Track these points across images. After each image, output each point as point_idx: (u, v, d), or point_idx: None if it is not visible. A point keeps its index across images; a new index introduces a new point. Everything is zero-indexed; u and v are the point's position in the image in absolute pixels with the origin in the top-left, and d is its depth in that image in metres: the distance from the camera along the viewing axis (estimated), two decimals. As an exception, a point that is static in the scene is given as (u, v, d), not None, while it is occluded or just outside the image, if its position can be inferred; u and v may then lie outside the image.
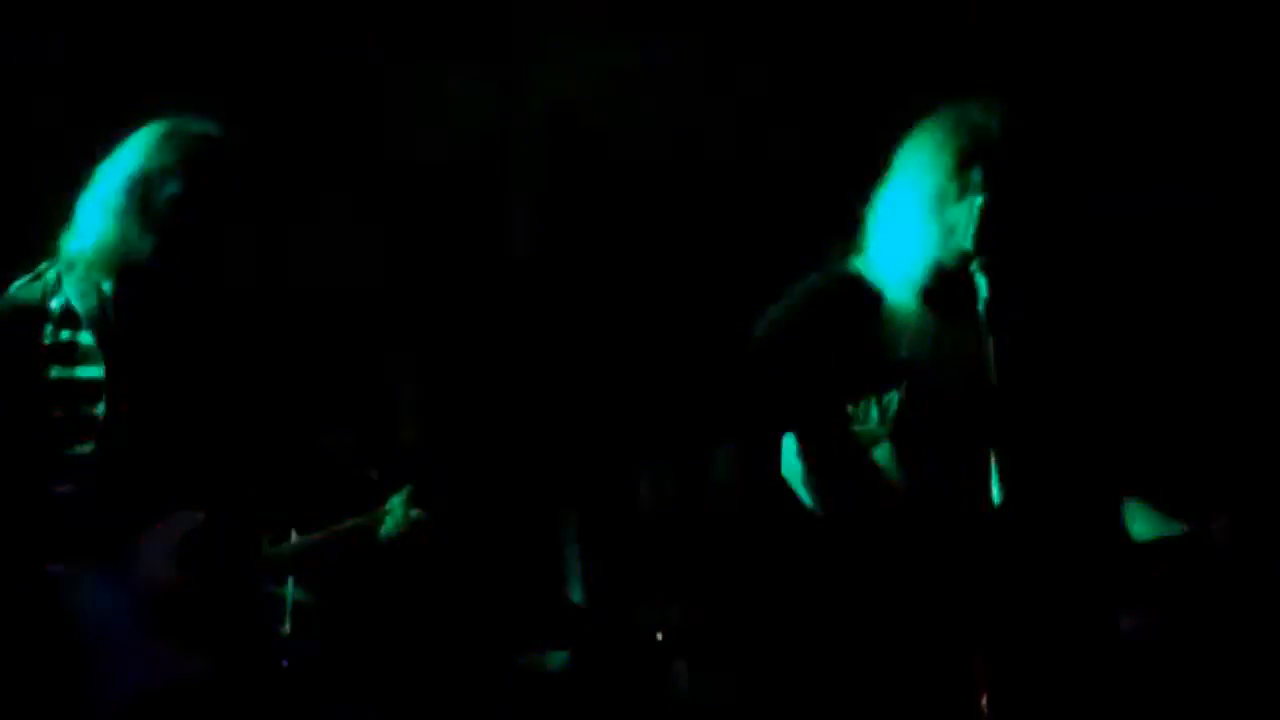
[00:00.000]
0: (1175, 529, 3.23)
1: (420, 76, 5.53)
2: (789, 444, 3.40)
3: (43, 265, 3.47)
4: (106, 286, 3.41)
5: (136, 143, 3.46)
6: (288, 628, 4.45)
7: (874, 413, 3.31)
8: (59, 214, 3.49)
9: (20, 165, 4.70)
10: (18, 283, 3.46)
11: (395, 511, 3.84)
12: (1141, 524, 3.28)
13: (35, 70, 4.84)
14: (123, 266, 3.39)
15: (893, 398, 3.30)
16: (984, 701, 2.89)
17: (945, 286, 3.22)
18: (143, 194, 3.38)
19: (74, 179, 3.50)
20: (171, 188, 3.38)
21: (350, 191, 5.49)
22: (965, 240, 3.12)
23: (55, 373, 3.36)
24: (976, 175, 3.23)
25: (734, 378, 3.47)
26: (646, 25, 5.48)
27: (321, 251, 5.28)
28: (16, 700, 3.23)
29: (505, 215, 5.66)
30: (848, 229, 5.41)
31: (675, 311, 5.54)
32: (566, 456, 5.23)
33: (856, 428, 3.31)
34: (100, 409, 3.34)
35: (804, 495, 3.45)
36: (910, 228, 3.28)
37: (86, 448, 3.33)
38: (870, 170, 5.35)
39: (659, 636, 4.93)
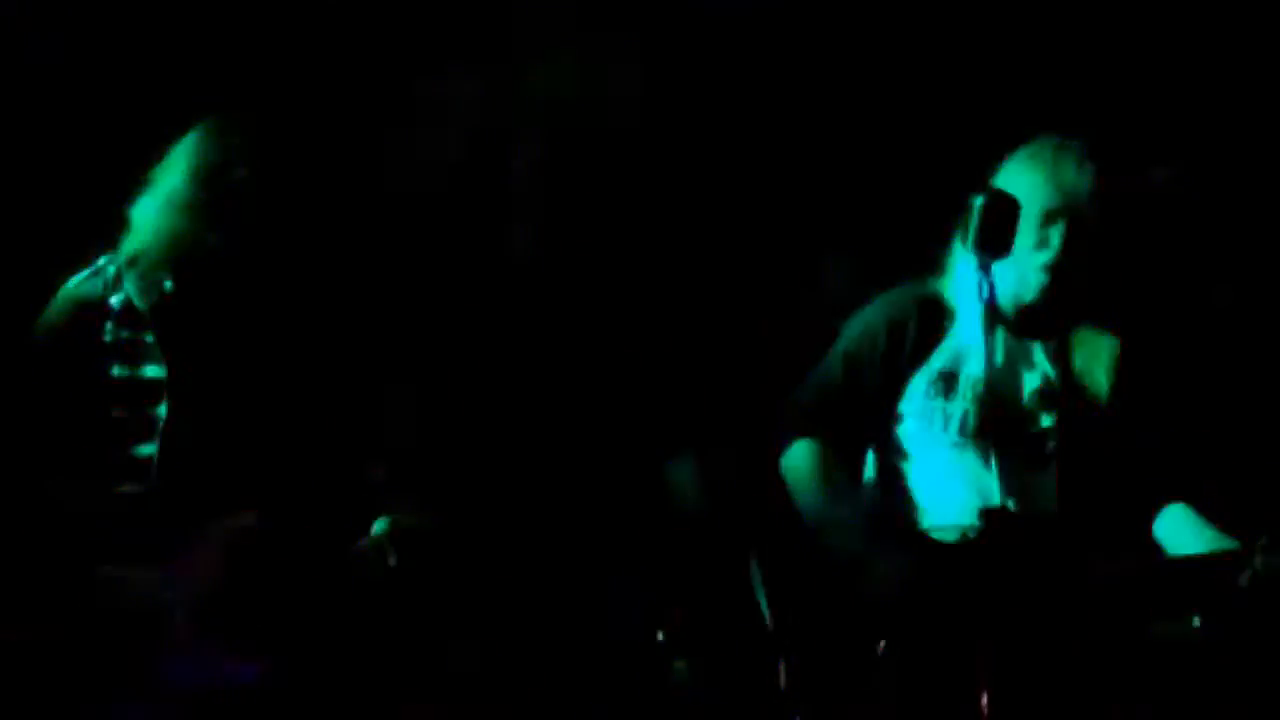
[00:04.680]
0: (1221, 540, 3.26)
1: (420, 76, 5.52)
2: (804, 446, 3.47)
3: (101, 260, 3.44)
4: (168, 284, 3.39)
5: (197, 138, 3.45)
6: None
7: (939, 420, 3.40)
8: (112, 212, 3.48)
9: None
10: (76, 278, 3.43)
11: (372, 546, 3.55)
12: (1186, 533, 3.31)
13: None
14: (187, 262, 3.38)
15: (957, 408, 3.38)
16: (984, 702, 2.89)
17: (1020, 314, 3.32)
18: (211, 184, 3.37)
19: (124, 179, 3.49)
20: (241, 173, 3.37)
21: (347, 192, 5.48)
22: (1030, 284, 3.20)
23: (117, 371, 3.35)
24: (1057, 234, 3.33)
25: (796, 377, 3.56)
26: (647, 25, 5.48)
27: (318, 252, 5.27)
28: (71, 698, 3.23)
29: (504, 216, 5.66)
30: (850, 228, 5.42)
31: (678, 310, 5.53)
32: (574, 457, 5.22)
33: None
34: (162, 409, 3.34)
35: (797, 494, 3.50)
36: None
37: (148, 448, 3.33)
38: (874, 171, 5.36)
39: (659, 636, 4.92)
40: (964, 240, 3.15)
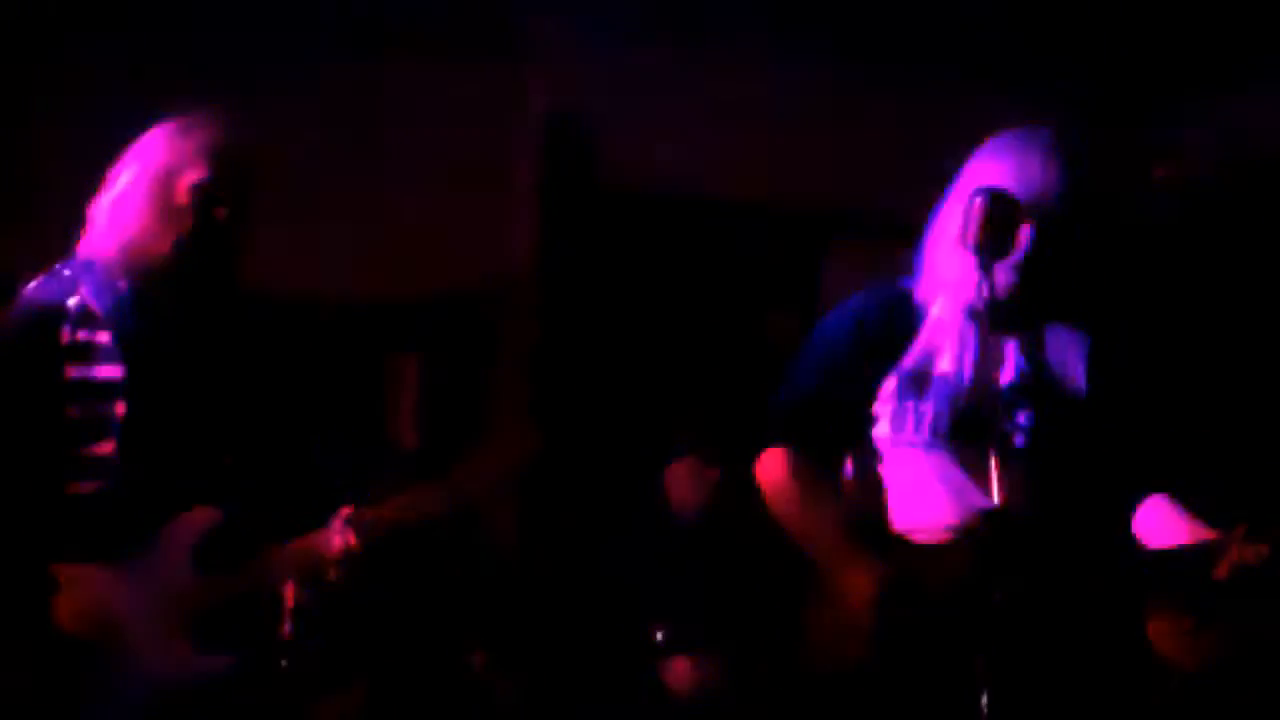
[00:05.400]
0: (1202, 531, 3.24)
1: (420, 76, 5.54)
2: (776, 455, 3.45)
3: (59, 266, 3.47)
4: (124, 286, 3.41)
5: (153, 138, 3.46)
6: (287, 629, 4.43)
7: (911, 420, 3.36)
8: (72, 216, 3.49)
9: (31, 168, 4.71)
10: (34, 283, 3.46)
11: (333, 533, 3.49)
12: (1167, 525, 3.29)
13: (46, 71, 4.85)
14: (142, 264, 3.39)
15: (930, 408, 3.35)
16: (984, 702, 2.89)
17: (988, 310, 3.26)
18: (164, 186, 3.38)
19: (85, 180, 3.50)
20: (193, 175, 3.37)
21: (348, 192, 5.50)
22: (1000, 282, 3.17)
23: (73, 372, 3.36)
24: (1025, 232, 3.27)
25: (765, 382, 3.52)
26: (647, 24, 5.49)
27: (319, 253, 5.29)
28: (34, 697, 3.23)
29: (504, 216, 5.67)
30: (852, 226, 5.44)
31: (679, 311, 5.55)
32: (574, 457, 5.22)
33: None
34: (119, 409, 3.34)
35: (772, 503, 3.48)
36: (957, 262, 3.26)
37: (106, 447, 3.33)
38: (873, 171, 5.37)
39: (659, 636, 4.94)
40: (963, 241, 3.13)
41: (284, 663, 4.30)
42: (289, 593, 4.39)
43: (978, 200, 3.09)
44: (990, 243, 3.09)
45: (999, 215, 3.09)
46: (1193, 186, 4.83)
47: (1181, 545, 3.20)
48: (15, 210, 4.78)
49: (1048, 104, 4.71)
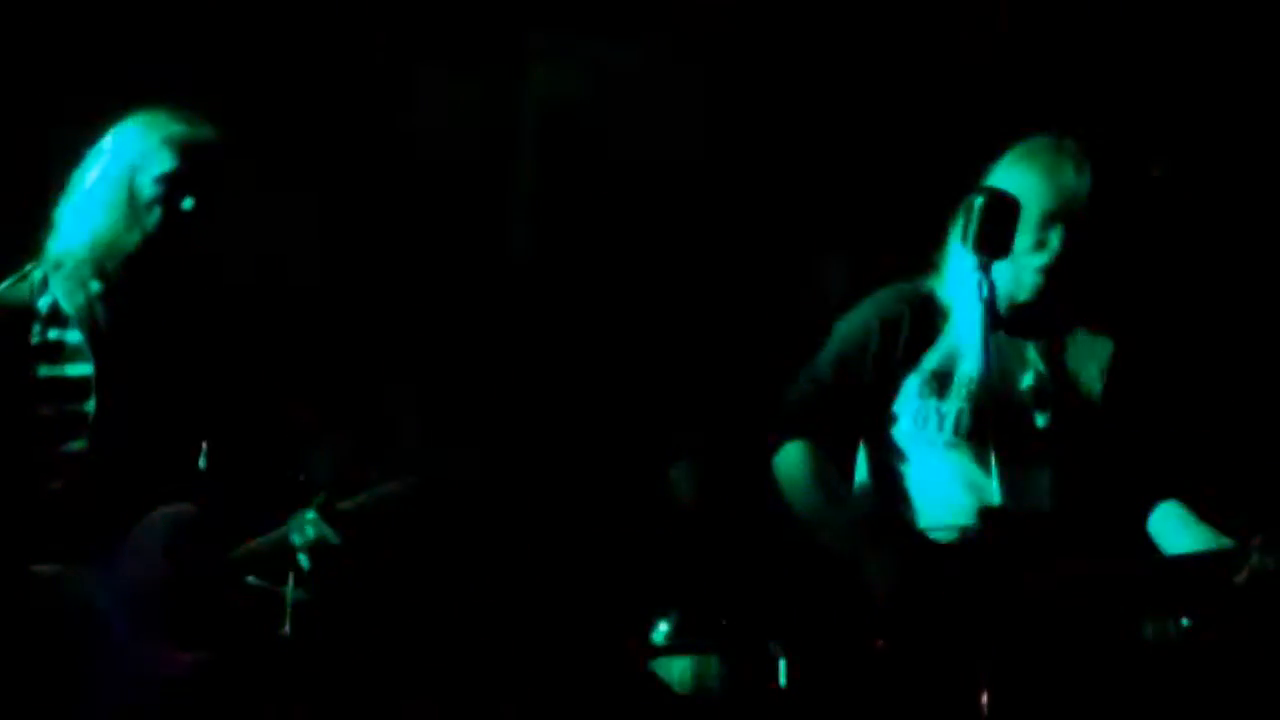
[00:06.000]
0: (1215, 537, 3.26)
1: (420, 76, 5.53)
2: (796, 448, 3.46)
3: (28, 266, 3.48)
4: (94, 285, 3.41)
5: (117, 135, 3.47)
6: (288, 628, 4.43)
7: (933, 420, 3.39)
8: (40, 216, 3.49)
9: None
10: (3, 284, 3.47)
11: (305, 524, 3.46)
12: (1181, 530, 3.31)
13: (17, 71, 4.83)
14: (111, 262, 3.39)
15: (952, 408, 3.37)
16: (984, 701, 2.89)
17: (1013, 313, 3.30)
18: (130, 180, 3.38)
19: (53, 180, 3.50)
20: (158, 167, 3.38)
21: (347, 191, 5.49)
22: (1025, 284, 3.20)
23: (44, 371, 3.37)
24: (1056, 236, 3.31)
25: (786, 378, 3.54)
26: (647, 24, 5.48)
27: (318, 251, 5.28)
28: (11, 697, 3.23)
29: (503, 216, 5.66)
30: (854, 227, 5.43)
31: (678, 310, 5.53)
32: (573, 455, 5.22)
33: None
34: (90, 406, 3.35)
35: (790, 496, 3.49)
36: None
37: (78, 445, 3.34)
38: (877, 172, 5.36)
39: (659, 634, 4.93)
40: (964, 240, 3.14)
41: (281, 659, 4.30)
42: (285, 590, 4.40)
43: (978, 199, 3.11)
44: (990, 242, 3.10)
45: (999, 214, 3.10)
46: (1190, 186, 4.84)
47: (1199, 552, 3.22)
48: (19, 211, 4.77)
49: (1049, 105, 4.71)
